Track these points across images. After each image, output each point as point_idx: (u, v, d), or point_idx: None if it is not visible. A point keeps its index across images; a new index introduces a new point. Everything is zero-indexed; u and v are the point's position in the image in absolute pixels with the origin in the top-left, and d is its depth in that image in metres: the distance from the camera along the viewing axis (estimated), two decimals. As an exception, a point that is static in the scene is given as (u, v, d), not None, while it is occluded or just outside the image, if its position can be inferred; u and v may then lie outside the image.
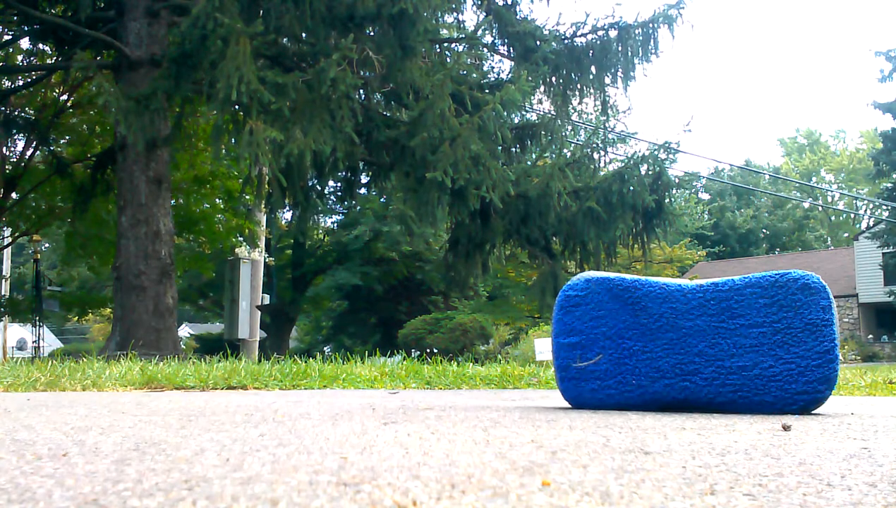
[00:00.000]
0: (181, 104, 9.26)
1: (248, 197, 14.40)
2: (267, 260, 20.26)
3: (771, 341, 2.40)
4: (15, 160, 15.28)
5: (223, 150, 11.49)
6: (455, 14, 10.66)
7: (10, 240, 18.46)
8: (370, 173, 10.65)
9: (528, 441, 1.66)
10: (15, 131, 14.16)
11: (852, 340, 27.97)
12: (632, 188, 9.17)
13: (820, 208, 50.02)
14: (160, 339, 8.63)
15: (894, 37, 70.82)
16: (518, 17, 10.21)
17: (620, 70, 9.69)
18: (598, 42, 9.71)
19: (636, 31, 9.56)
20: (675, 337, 2.50)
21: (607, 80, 9.84)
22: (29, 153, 15.02)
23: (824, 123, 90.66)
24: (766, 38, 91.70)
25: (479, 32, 9.37)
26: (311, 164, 7.90)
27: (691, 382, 2.47)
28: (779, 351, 2.39)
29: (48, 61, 13.17)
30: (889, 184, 25.93)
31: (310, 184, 9.82)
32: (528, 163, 10.61)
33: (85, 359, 5.40)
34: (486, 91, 9.25)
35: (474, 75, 9.88)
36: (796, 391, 2.36)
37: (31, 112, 14.50)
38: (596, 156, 10.11)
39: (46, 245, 26.31)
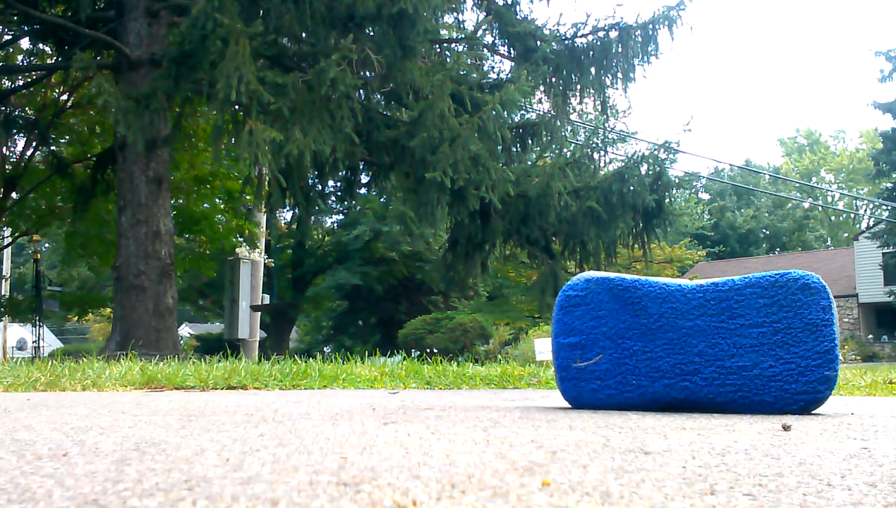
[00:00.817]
0: (181, 104, 9.26)
1: (248, 197, 14.39)
2: (266, 261, 20.25)
3: (771, 341, 2.40)
4: (15, 160, 15.29)
5: (223, 150, 11.48)
6: (455, 14, 10.66)
7: (10, 240, 18.45)
8: (370, 173, 10.65)
9: (528, 441, 1.66)
10: (15, 131, 14.16)
11: (852, 340, 27.97)
12: (632, 188, 9.17)
13: (820, 208, 50.03)
14: (160, 339, 8.63)
15: (894, 37, 70.89)
16: (518, 17, 10.20)
17: (620, 71, 9.69)
18: (599, 43, 9.70)
19: (636, 32, 9.55)
20: (675, 337, 2.50)
21: (607, 81, 9.84)
22: (29, 153, 15.02)
23: (824, 123, 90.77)
24: (766, 38, 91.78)
25: (479, 32, 9.37)
26: (310, 164, 7.90)
27: (691, 382, 2.47)
28: (779, 351, 2.39)
29: (48, 61, 13.17)
30: (889, 184, 25.94)
31: (310, 184, 9.82)
32: (528, 162, 10.61)
33: (85, 359, 5.40)
34: (486, 91, 9.25)
35: (474, 75, 9.88)
36: (796, 391, 2.36)
37: (31, 112, 14.50)
38: (596, 155, 10.11)
39: (46, 245, 26.32)
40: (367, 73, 8.30)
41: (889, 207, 25.62)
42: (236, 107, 7.59)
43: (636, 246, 9.92)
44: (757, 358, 2.41)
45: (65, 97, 14.84)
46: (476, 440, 1.69)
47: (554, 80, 9.88)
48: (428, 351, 15.81)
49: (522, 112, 11.29)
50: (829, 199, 52.21)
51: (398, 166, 8.70)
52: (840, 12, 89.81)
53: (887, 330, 29.42)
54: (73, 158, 14.14)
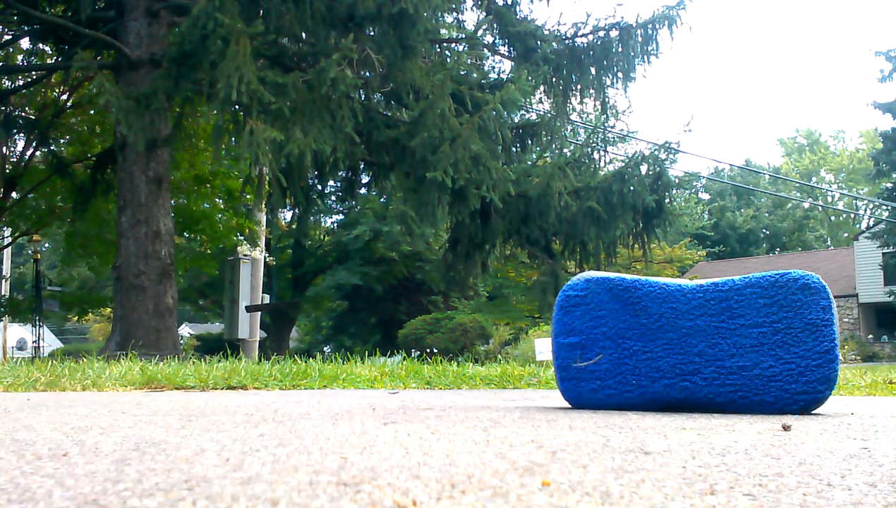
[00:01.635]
0: (181, 104, 9.26)
1: (248, 197, 14.39)
2: (267, 259, 20.23)
3: (771, 341, 2.40)
4: (15, 160, 15.28)
5: (223, 150, 11.49)
6: (455, 14, 10.66)
7: (10, 240, 18.46)
8: (370, 173, 10.65)
9: (528, 441, 1.66)
10: (15, 131, 14.16)
11: (852, 340, 27.97)
12: (632, 188, 9.17)
13: (820, 208, 50.02)
14: (160, 339, 8.63)
15: (894, 37, 70.88)
16: (518, 17, 10.20)
17: (620, 70, 9.69)
18: (599, 42, 9.71)
19: (636, 32, 9.55)
20: (675, 337, 2.50)
21: (607, 81, 9.84)
22: (29, 153, 15.02)
23: (824, 123, 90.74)
24: (766, 38, 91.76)
25: (480, 32, 9.37)
26: (311, 164, 7.90)
27: (691, 382, 2.47)
28: (779, 351, 2.39)
29: (48, 61, 13.17)
30: (889, 184, 25.94)
31: (310, 184, 9.82)
32: (529, 162, 10.61)
33: (85, 359, 5.40)
34: (487, 91, 9.25)
35: (474, 75, 9.88)
36: (796, 391, 2.36)
37: (31, 112, 14.50)
38: (596, 155, 10.12)
39: (46, 245, 26.31)
40: (368, 73, 8.30)
41: (889, 207, 25.62)
42: (237, 106, 7.59)
43: (636, 246, 9.92)
44: (757, 358, 2.41)
45: (65, 97, 14.84)
46: (476, 440, 1.69)
47: (554, 79, 9.88)
48: (428, 351, 15.82)
49: (523, 112, 11.29)
50: (829, 199, 52.21)
51: (398, 166, 8.70)
52: (840, 12, 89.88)
53: (887, 330, 29.42)
54: (73, 158, 14.13)
